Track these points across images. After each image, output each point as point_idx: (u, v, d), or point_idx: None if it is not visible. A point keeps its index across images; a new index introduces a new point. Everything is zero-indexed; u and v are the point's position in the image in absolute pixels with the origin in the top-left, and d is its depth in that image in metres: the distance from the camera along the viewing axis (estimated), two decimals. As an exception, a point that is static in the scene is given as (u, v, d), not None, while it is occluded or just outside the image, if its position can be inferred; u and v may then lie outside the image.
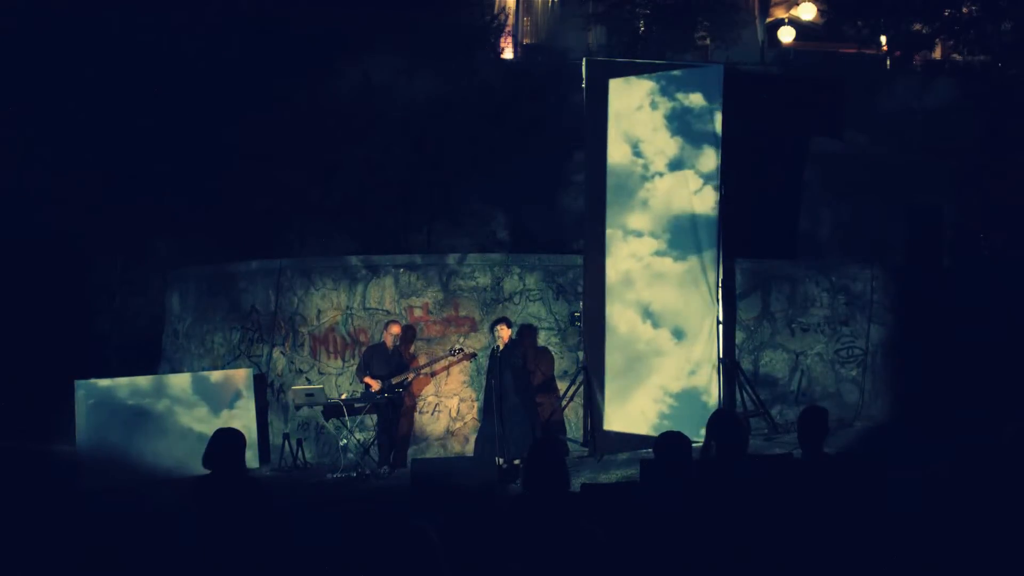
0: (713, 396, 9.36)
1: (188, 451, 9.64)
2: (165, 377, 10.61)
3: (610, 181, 9.58)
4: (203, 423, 9.96)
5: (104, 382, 10.02)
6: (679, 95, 9.62)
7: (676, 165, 9.57)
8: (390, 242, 12.45)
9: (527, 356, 9.49)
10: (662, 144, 9.57)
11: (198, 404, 10.13)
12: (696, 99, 9.60)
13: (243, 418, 10.10)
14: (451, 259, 10.36)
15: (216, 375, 10.45)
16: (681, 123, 9.59)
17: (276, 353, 10.80)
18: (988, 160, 11.90)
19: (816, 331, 10.17)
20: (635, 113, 9.61)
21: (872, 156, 12.41)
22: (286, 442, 10.32)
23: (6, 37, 12.10)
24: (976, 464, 5.82)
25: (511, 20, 15.51)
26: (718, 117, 9.57)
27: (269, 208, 12.66)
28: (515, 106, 13.05)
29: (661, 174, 9.59)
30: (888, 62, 14.27)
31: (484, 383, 9.58)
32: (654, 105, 9.60)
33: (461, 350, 9.82)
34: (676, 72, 9.77)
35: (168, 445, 9.88)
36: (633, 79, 9.69)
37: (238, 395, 10.28)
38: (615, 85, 9.67)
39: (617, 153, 9.61)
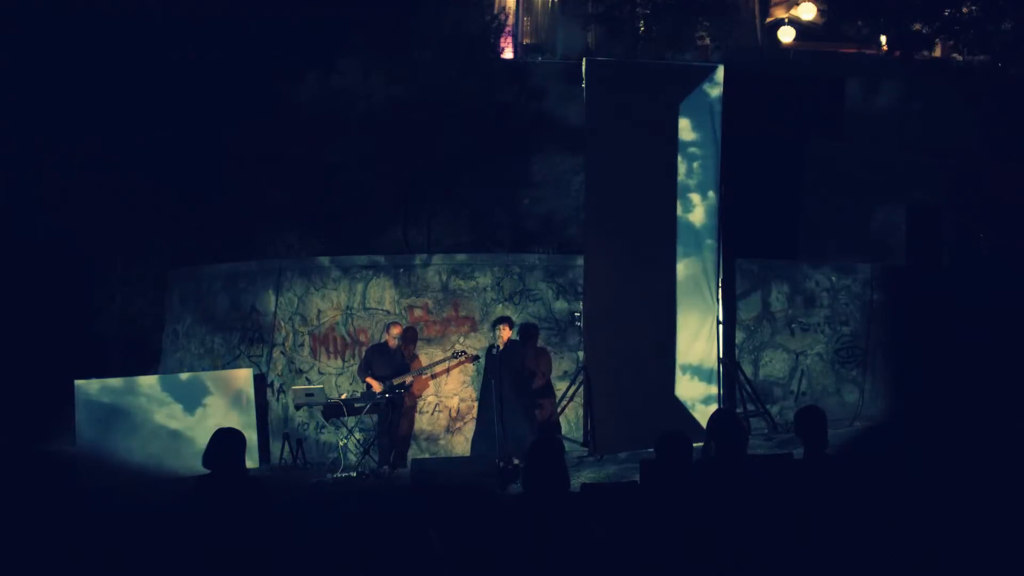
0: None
1: (188, 451, 9.71)
2: (164, 377, 10.62)
3: None
4: (198, 422, 10.02)
5: (104, 382, 10.03)
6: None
7: None
8: (390, 242, 12.45)
9: (526, 357, 9.49)
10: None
11: (198, 404, 10.14)
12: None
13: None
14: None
15: (184, 376, 10.51)
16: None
17: (276, 353, 10.80)
18: (987, 160, 11.91)
19: (816, 331, 10.17)
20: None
21: (872, 156, 12.41)
22: (286, 442, 10.32)
23: (7, 39, 12.10)
24: (976, 464, 5.83)
25: (511, 20, 15.51)
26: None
27: (269, 208, 12.67)
28: (515, 106, 13.05)
29: None
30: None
31: (482, 381, 9.58)
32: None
33: (464, 352, 9.81)
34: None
35: (163, 444, 9.90)
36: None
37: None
38: None
39: None
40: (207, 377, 10.39)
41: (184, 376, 10.51)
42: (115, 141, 12.40)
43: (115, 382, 10.15)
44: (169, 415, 10.02)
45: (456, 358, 9.77)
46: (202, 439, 9.63)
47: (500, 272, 10.21)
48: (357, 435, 9.99)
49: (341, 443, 9.98)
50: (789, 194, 12.34)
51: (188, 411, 10.11)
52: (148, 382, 10.25)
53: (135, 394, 9.99)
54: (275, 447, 10.54)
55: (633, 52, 13.66)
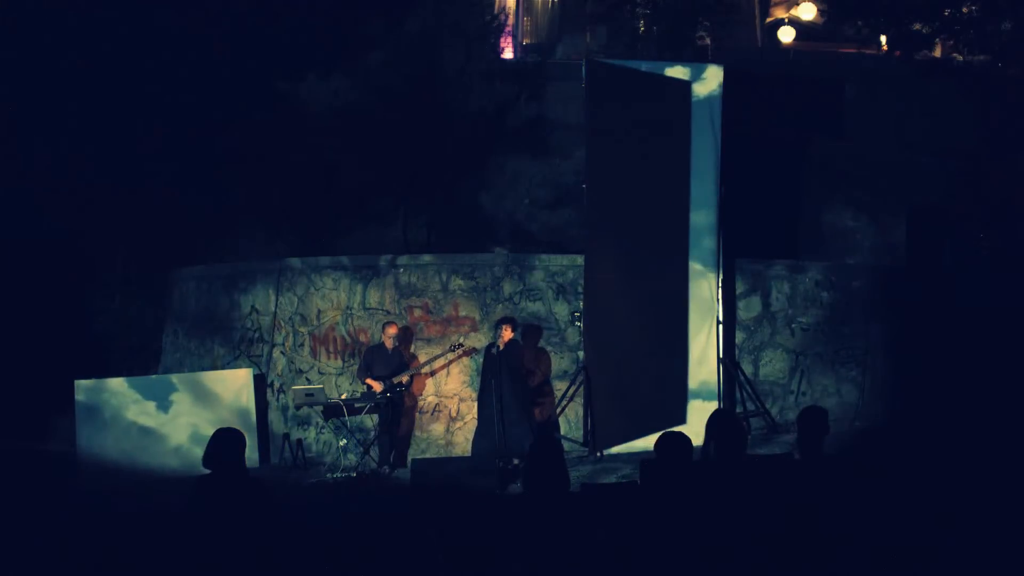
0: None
1: (182, 451, 9.73)
2: (162, 377, 10.63)
3: None
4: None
5: (104, 382, 10.03)
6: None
7: None
8: (390, 242, 12.46)
9: (525, 356, 9.49)
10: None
11: (195, 405, 10.14)
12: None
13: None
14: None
15: (154, 378, 10.63)
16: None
17: (276, 353, 10.80)
18: (987, 160, 11.91)
19: (816, 331, 10.17)
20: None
21: (872, 156, 12.42)
22: (286, 442, 10.32)
23: (6, 37, 12.11)
24: (975, 464, 5.83)
25: (511, 20, 15.52)
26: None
27: (267, 208, 12.68)
28: (515, 106, 13.05)
29: None
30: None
31: (481, 381, 9.57)
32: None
33: (461, 345, 9.81)
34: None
35: (164, 445, 9.91)
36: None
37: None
38: None
39: None
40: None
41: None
42: (115, 142, 12.41)
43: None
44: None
45: (454, 351, 9.77)
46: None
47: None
48: (357, 435, 9.99)
49: (341, 443, 9.98)
50: (789, 194, 12.35)
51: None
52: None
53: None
54: (275, 447, 10.54)
55: (633, 52, 13.67)
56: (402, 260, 10.37)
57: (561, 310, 10.10)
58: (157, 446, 9.93)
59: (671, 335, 9.56)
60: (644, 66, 9.92)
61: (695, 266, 9.63)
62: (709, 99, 9.77)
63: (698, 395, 9.54)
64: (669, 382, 9.52)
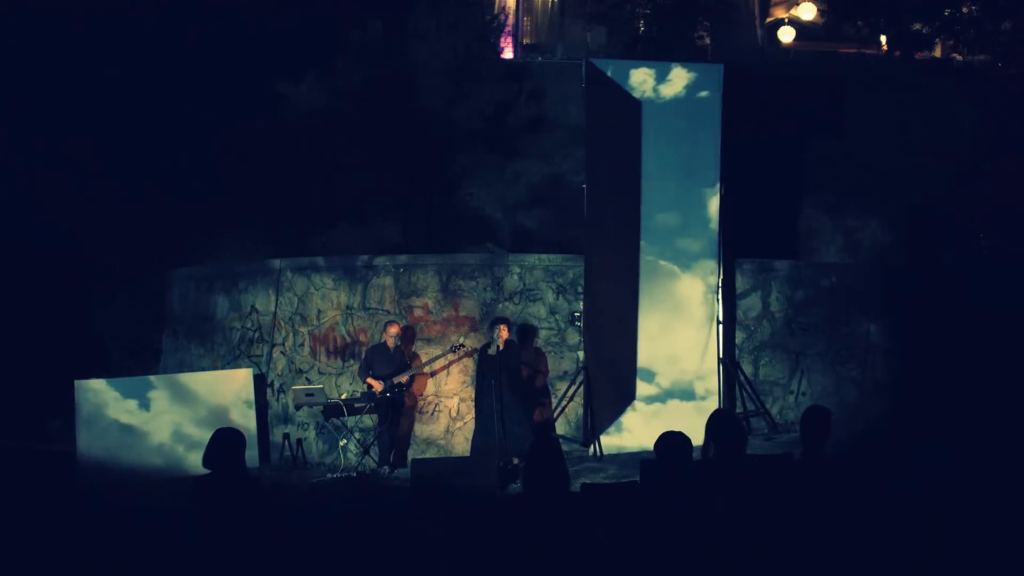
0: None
1: (183, 452, 9.77)
2: (161, 377, 10.62)
3: None
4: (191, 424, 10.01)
5: (104, 382, 10.03)
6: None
7: None
8: (390, 241, 12.46)
9: (525, 356, 9.49)
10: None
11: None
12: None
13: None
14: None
15: (137, 379, 10.56)
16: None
17: (276, 353, 10.80)
18: (987, 160, 11.92)
19: (816, 331, 10.17)
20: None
21: (872, 156, 12.42)
22: (286, 442, 10.32)
23: (5, 38, 12.12)
24: (976, 465, 5.83)
25: (511, 20, 15.52)
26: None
27: (268, 208, 12.67)
28: (514, 106, 13.05)
29: None
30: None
31: (478, 381, 9.56)
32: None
33: (462, 346, 9.79)
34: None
35: (164, 446, 9.91)
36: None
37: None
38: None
39: None
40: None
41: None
42: (115, 142, 12.41)
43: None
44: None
45: (454, 351, 9.76)
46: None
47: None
48: (357, 435, 9.99)
49: (341, 443, 9.98)
50: (789, 194, 12.35)
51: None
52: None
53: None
54: (275, 447, 10.54)
55: (633, 52, 13.66)
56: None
57: (561, 310, 10.10)
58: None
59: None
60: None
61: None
62: (709, 99, 9.76)
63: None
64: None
